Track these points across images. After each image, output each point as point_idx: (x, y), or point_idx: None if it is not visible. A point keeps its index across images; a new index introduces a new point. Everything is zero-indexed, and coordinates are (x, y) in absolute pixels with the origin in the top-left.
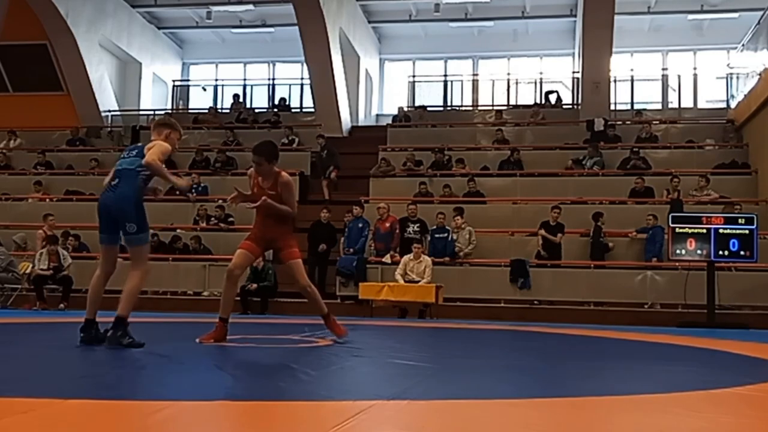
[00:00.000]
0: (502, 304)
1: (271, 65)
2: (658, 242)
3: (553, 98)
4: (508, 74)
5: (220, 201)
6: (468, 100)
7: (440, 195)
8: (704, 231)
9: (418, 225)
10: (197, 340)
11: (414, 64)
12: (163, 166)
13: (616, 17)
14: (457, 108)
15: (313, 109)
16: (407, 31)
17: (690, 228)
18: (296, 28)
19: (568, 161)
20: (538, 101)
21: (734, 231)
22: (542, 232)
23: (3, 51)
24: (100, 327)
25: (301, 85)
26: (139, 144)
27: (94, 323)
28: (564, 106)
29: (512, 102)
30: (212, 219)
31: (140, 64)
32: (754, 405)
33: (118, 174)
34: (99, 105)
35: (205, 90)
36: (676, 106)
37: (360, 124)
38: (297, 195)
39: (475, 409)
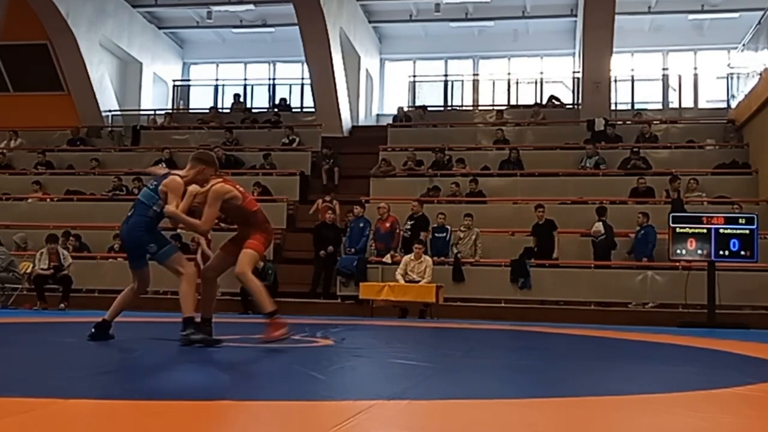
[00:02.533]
0: (503, 304)
1: (271, 65)
2: (650, 242)
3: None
4: (509, 74)
5: None
6: (468, 100)
7: (448, 194)
8: (704, 231)
9: (411, 222)
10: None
11: (414, 64)
12: (180, 212)
13: (616, 17)
14: (458, 108)
15: (313, 109)
16: (407, 31)
17: (690, 228)
18: (296, 28)
19: (569, 162)
20: (538, 101)
21: (734, 231)
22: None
23: (3, 51)
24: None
25: (302, 85)
26: (161, 176)
27: (110, 324)
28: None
29: (513, 102)
30: None
31: (141, 63)
32: (754, 405)
33: (135, 204)
34: (99, 105)
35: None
36: (677, 106)
37: (360, 124)
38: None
39: (475, 409)
